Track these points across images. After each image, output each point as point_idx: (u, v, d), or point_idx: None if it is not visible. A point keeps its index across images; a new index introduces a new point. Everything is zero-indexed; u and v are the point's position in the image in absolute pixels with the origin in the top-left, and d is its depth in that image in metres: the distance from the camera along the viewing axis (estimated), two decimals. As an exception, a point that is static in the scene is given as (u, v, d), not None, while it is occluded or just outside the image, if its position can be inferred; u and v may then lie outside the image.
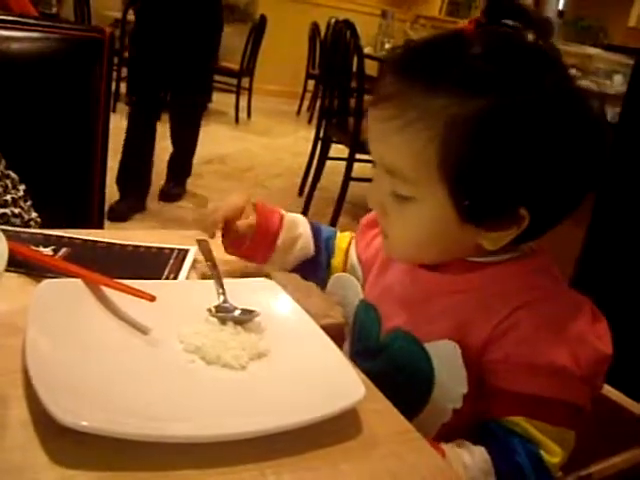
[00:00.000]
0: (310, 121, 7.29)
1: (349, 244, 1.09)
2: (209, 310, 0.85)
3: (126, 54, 5.95)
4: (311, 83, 7.81)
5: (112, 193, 3.50)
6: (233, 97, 6.90)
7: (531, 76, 0.77)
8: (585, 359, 0.78)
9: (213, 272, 0.95)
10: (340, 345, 0.82)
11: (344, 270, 1.07)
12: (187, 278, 0.98)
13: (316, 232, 1.10)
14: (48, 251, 0.97)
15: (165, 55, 3.64)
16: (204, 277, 0.98)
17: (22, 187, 1.35)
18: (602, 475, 0.89)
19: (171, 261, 1.01)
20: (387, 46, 5.97)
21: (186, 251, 1.04)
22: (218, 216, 1.01)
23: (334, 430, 0.68)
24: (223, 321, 0.83)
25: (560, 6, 8.73)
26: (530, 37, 0.81)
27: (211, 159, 5.00)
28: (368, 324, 0.96)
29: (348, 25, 3.85)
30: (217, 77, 5.82)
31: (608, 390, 0.98)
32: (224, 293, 0.88)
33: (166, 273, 0.98)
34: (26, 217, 1.32)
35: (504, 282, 0.84)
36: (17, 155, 1.36)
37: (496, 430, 0.81)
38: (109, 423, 0.60)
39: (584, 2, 8.54)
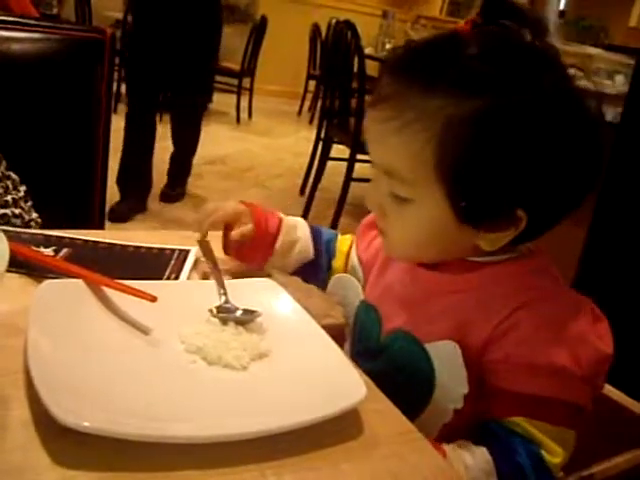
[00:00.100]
0: (311, 121, 7.30)
1: (350, 247, 1.09)
2: (210, 310, 0.85)
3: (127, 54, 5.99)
4: (312, 83, 7.81)
5: (113, 194, 3.51)
6: (234, 97, 6.90)
7: (528, 76, 0.77)
8: (586, 359, 0.78)
9: (214, 272, 0.95)
10: (341, 345, 0.82)
11: (345, 272, 1.07)
12: (188, 278, 0.98)
13: (316, 235, 1.10)
14: (49, 252, 0.97)
15: (164, 55, 3.63)
16: (205, 277, 0.98)
17: (23, 188, 1.35)
18: (604, 475, 0.89)
19: (172, 262, 1.01)
20: (388, 46, 5.97)
21: (187, 251, 1.04)
22: (208, 223, 1.03)
23: (335, 430, 0.68)
24: (224, 321, 0.83)
25: (561, 6, 8.73)
26: (527, 37, 0.81)
27: (212, 159, 5.00)
28: (369, 325, 0.96)
29: (349, 25, 3.85)
30: (218, 77, 5.82)
31: (609, 390, 0.98)
32: (225, 293, 0.88)
33: (167, 274, 0.98)
34: (27, 218, 1.32)
35: (503, 282, 0.84)
36: (18, 156, 1.36)
37: (497, 430, 0.81)
38: (110, 424, 0.60)
39: (585, 2, 8.54)
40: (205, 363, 0.76)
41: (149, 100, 3.73)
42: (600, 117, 0.82)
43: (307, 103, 8.00)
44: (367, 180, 0.89)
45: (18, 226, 1.27)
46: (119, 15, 6.60)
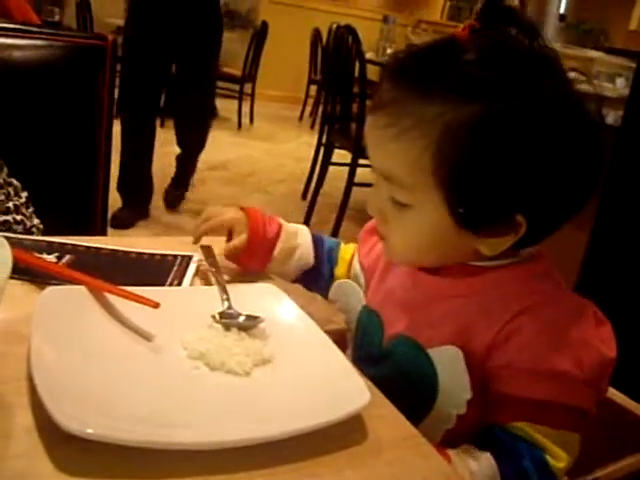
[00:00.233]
0: (312, 126, 7.31)
1: (353, 255, 1.08)
2: (213, 316, 0.84)
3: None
4: (313, 88, 7.82)
5: (114, 200, 3.51)
6: (235, 103, 6.91)
7: (526, 81, 0.76)
8: (589, 363, 0.78)
9: (217, 278, 0.95)
10: (343, 351, 0.82)
11: (347, 278, 1.07)
12: (191, 284, 0.98)
13: (317, 242, 1.10)
14: (52, 258, 0.97)
15: (163, 60, 3.62)
16: (208, 283, 0.98)
17: (24, 194, 1.35)
18: (608, 479, 0.89)
19: (175, 268, 1.01)
20: (389, 51, 5.97)
21: (190, 257, 1.04)
22: (203, 228, 1.05)
23: (339, 436, 0.68)
24: (227, 327, 0.83)
25: (561, 9, 8.73)
26: (525, 41, 0.81)
27: (214, 165, 5.00)
28: (371, 330, 0.96)
29: (350, 30, 3.85)
30: (219, 83, 5.81)
31: (614, 394, 0.98)
32: (228, 299, 0.88)
33: (170, 279, 0.98)
34: (28, 224, 1.32)
35: (505, 287, 0.84)
36: (20, 162, 1.36)
37: (501, 436, 0.80)
38: (114, 430, 0.60)
39: (585, 5, 8.54)
40: (208, 369, 0.76)
41: (148, 105, 3.71)
42: (600, 121, 0.82)
43: (308, 108, 8.01)
44: (369, 185, 0.89)
45: (20, 233, 1.27)
46: (120, 22, 6.60)
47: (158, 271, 1.00)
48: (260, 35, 7.02)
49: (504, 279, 0.85)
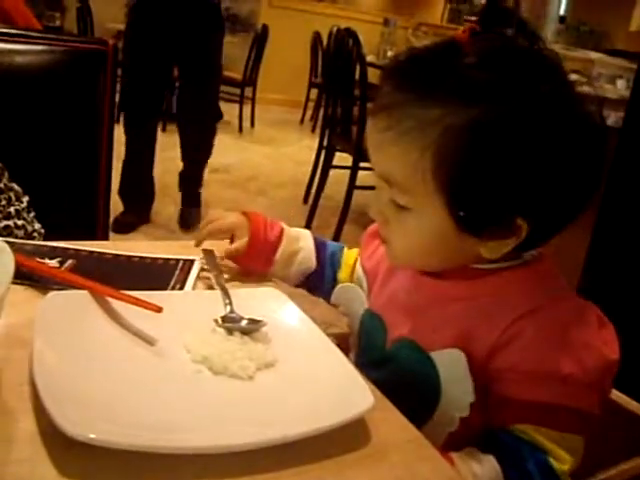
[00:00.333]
0: (313, 130, 7.31)
1: (356, 260, 1.09)
2: (216, 320, 0.84)
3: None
4: (314, 92, 7.82)
5: (116, 204, 3.51)
6: (236, 107, 6.92)
7: (526, 83, 0.76)
8: (592, 365, 0.78)
9: (219, 282, 0.95)
10: (346, 355, 0.82)
11: (350, 282, 1.07)
12: (193, 288, 0.98)
13: (320, 246, 1.11)
14: (54, 263, 0.97)
15: (164, 65, 3.62)
16: (210, 287, 0.98)
17: (25, 199, 1.35)
18: (612, 482, 0.88)
19: (177, 272, 1.01)
20: (390, 54, 5.99)
21: (192, 261, 1.04)
22: (204, 233, 1.06)
23: (343, 439, 0.67)
24: (230, 331, 0.83)
25: (561, 11, 8.74)
26: (525, 44, 0.81)
27: (215, 168, 4.99)
28: (374, 333, 0.96)
29: (350, 33, 3.85)
30: (220, 87, 5.83)
31: (618, 396, 0.97)
32: (230, 303, 0.88)
33: (172, 284, 0.98)
34: (29, 229, 1.33)
35: (507, 289, 0.84)
36: (22, 167, 1.36)
37: (504, 438, 0.80)
38: (117, 435, 0.60)
39: (586, 7, 8.55)
40: (211, 373, 0.76)
41: (149, 109, 3.70)
42: (601, 123, 0.82)
43: (309, 112, 8.01)
44: (370, 188, 0.89)
45: (21, 237, 1.27)
46: (121, 26, 6.61)
47: (160, 275, 1.00)
48: (261, 39, 7.02)
49: (506, 282, 0.85)
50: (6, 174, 1.32)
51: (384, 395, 0.77)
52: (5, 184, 1.31)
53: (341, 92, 4.00)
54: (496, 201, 0.78)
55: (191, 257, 1.05)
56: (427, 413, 0.85)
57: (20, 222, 1.30)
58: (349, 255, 1.11)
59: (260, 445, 0.63)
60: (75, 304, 0.82)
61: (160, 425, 0.64)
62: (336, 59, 4.11)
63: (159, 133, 3.84)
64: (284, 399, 0.73)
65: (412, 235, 0.84)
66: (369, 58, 4.35)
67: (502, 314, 0.81)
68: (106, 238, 1.70)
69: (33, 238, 1.31)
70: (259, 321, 0.85)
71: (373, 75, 3.90)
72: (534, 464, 0.78)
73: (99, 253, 1.05)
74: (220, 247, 1.06)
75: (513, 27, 0.81)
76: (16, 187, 1.34)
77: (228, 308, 0.87)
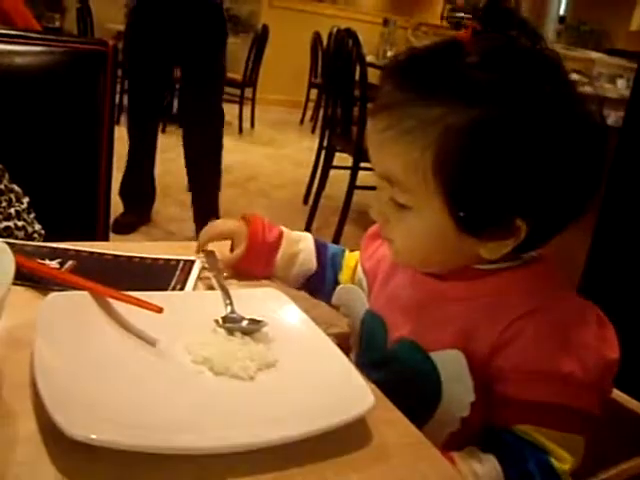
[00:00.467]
0: (313, 130, 7.31)
1: (357, 262, 1.09)
2: (216, 321, 0.84)
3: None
4: (314, 92, 7.82)
5: (116, 205, 3.51)
6: (236, 107, 6.92)
7: (527, 84, 0.76)
8: (592, 365, 0.78)
9: (220, 282, 0.95)
10: (347, 355, 0.82)
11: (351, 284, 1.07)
12: (194, 289, 0.98)
13: (320, 248, 1.11)
14: (54, 264, 0.97)
15: (167, 67, 3.61)
16: (210, 288, 0.98)
17: (26, 200, 1.35)
18: (613, 481, 0.88)
19: (177, 272, 1.01)
20: (389, 54, 5.98)
21: (192, 262, 1.04)
22: (203, 240, 1.06)
23: (344, 440, 0.67)
24: (231, 332, 0.83)
25: (561, 11, 8.74)
26: (527, 44, 0.81)
27: (216, 169, 5.00)
28: (374, 334, 0.96)
29: (350, 34, 3.85)
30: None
31: (619, 395, 0.97)
32: (231, 303, 0.88)
33: (173, 284, 0.98)
34: (30, 230, 1.33)
35: (507, 289, 0.84)
36: (22, 168, 1.36)
37: (505, 438, 0.80)
38: (118, 436, 0.60)
39: (586, 7, 8.55)
40: (212, 374, 0.76)
41: (150, 110, 3.70)
42: (602, 124, 0.82)
43: (309, 112, 8.02)
44: (371, 188, 0.89)
45: (21, 238, 1.27)
46: (121, 27, 6.62)
47: (161, 276, 1.00)
48: (261, 39, 7.03)
49: (506, 282, 0.85)
50: (7, 175, 1.32)
51: (385, 395, 0.77)
52: (6, 185, 1.31)
53: (341, 92, 4.00)
54: (496, 201, 0.78)
55: (192, 257, 1.05)
56: (428, 413, 0.85)
57: (20, 223, 1.30)
58: (350, 258, 1.11)
59: (261, 445, 0.63)
60: (76, 305, 0.81)
61: (161, 425, 0.64)
62: (336, 59, 4.11)
63: (159, 134, 3.83)
64: (285, 399, 0.72)
65: (412, 234, 0.84)
66: (369, 58, 4.35)
67: (502, 314, 0.81)
68: (106, 239, 1.70)
69: (33, 239, 1.31)
70: (260, 321, 0.85)
71: (373, 75, 3.90)
72: (535, 464, 0.78)
73: (99, 254, 1.05)
74: (221, 248, 1.06)
75: (515, 27, 0.81)
76: (16, 188, 1.34)
77: (229, 308, 0.87)
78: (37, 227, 1.35)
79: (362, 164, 3.68)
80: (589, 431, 0.81)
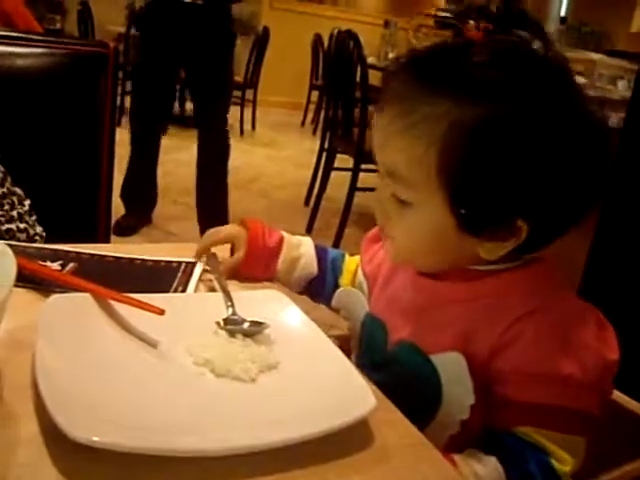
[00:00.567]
0: (315, 132, 7.32)
1: (357, 266, 1.09)
2: (218, 323, 0.84)
3: (130, 68, 6.00)
4: (315, 94, 7.83)
5: (117, 207, 3.51)
6: (237, 109, 6.92)
7: (534, 86, 0.76)
8: (592, 366, 0.78)
9: (221, 284, 0.95)
10: (347, 357, 0.82)
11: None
12: (195, 291, 0.98)
13: (321, 253, 1.11)
14: (56, 266, 0.97)
15: (171, 69, 3.59)
16: (212, 290, 0.98)
17: (27, 202, 1.36)
18: (614, 483, 0.88)
19: (179, 274, 1.01)
20: (391, 56, 5.97)
21: (194, 264, 1.04)
22: (202, 246, 1.06)
23: (345, 441, 0.67)
24: (232, 334, 0.83)
25: (562, 12, 8.75)
26: (538, 46, 0.81)
27: (217, 171, 5.00)
28: (374, 337, 0.96)
29: (351, 35, 3.85)
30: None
31: (619, 396, 0.97)
32: (233, 305, 0.88)
33: (174, 286, 0.98)
34: (31, 232, 1.33)
35: (507, 291, 0.84)
36: (23, 170, 1.36)
37: (506, 440, 0.80)
38: (120, 437, 0.60)
39: (586, 8, 8.55)
40: (213, 375, 0.76)
41: (156, 114, 3.69)
42: (607, 129, 0.82)
43: (310, 114, 8.02)
44: (372, 189, 0.89)
45: (23, 240, 1.28)
46: (122, 29, 6.64)
47: (162, 278, 1.00)
48: (262, 41, 7.03)
49: (506, 283, 0.85)
50: (9, 178, 1.33)
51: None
52: (8, 188, 1.32)
53: (342, 94, 4.00)
54: (498, 200, 0.78)
55: (193, 259, 1.05)
56: (428, 416, 0.85)
57: (22, 225, 1.31)
58: (350, 262, 1.11)
59: (263, 447, 0.63)
60: (77, 307, 0.82)
61: (162, 427, 0.64)
62: (337, 61, 4.11)
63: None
64: (286, 401, 0.72)
65: (412, 231, 0.84)
66: (370, 60, 4.35)
67: (502, 315, 0.81)
68: (107, 241, 1.71)
69: (35, 241, 1.31)
70: (261, 323, 0.85)
71: (374, 77, 3.90)
72: (536, 465, 0.78)
73: (101, 256, 1.05)
74: (222, 250, 1.06)
75: (527, 29, 0.81)
76: (18, 191, 1.35)
77: (230, 310, 0.87)
78: (38, 229, 1.35)
79: (363, 166, 3.67)
80: (590, 432, 0.80)
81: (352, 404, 0.70)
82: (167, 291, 0.96)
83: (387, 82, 0.84)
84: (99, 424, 0.61)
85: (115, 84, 1.59)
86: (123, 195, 3.66)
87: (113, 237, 2.15)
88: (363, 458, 0.67)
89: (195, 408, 0.69)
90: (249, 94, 7.14)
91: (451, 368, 0.83)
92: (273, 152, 6.42)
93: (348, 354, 0.96)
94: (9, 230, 1.27)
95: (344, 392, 0.73)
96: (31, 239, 1.31)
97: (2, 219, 1.27)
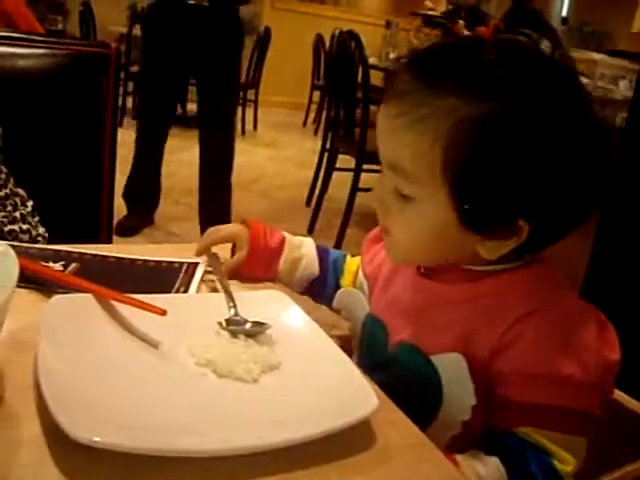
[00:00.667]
0: (316, 132, 7.31)
1: (358, 267, 1.09)
2: (220, 323, 0.85)
3: (132, 69, 6.01)
4: (316, 94, 7.82)
5: (119, 208, 3.51)
6: (239, 109, 6.90)
7: (542, 85, 0.77)
8: (593, 366, 0.78)
9: (223, 285, 0.95)
10: (349, 357, 0.82)
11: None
12: (197, 291, 0.98)
13: (322, 253, 1.11)
14: (58, 266, 0.97)
15: (179, 72, 3.56)
16: (214, 290, 0.98)
17: (30, 203, 1.36)
18: (616, 484, 0.88)
19: (181, 275, 1.01)
20: (392, 56, 5.97)
21: (196, 264, 1.04)
22: (203, 244, 1.06)
23: (347, 441, 0.67)
24: (234, 334, 0.83)
25: (564, 12, 8.74)
26: (547, 47, 0.81)
27: (218, 171, 5.00)
28: (375, 338, 0.96)
29: (352, 36, 3.85)
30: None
31: (619, 395, 0.97)
32: (235, 306, 0.88)
33: (176, 287, 0.98)
34: (34, 233, 1.33)
35: (507, 291, 0.84)
36: (25, 171, 1.36)
37: (507, 441, 0.80)
38: (121, 438, 0.60)
39: (588, 8, 8.55)
40: (215, 376, 0.76)
41: (163, 116, 3.68)
42: (611, 131, 0.82)
43: (312, 114, 8.02)
44: (373, 190, 0.89)
45: (26, 241, 1.28)
46: (123, 30, 6.65)
47: (164, 278, 1.00)
48: (263, 41, 7.03)
49: (506, 284, 0.85)
50: (12, 180, 1.33)
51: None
52: (11, 189, 1.32)
53: (344, 94, 4.00)
54: (500, 198, 0.78)
55: (195, 260, 1.05)
56: (429, 417, 0.85)
57: (25, 226, 1.31)
58: (351, 262, 1.11)
59: (265, 448, 0.63)
60: (79, 307, 0.82)
61: (164, 428, 0.64)
62: (338, 61, 4.11)
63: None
64: (288, 402, 0.73)
65: (413, 226, 0.84)
66: (371, 60, 4.35)
67: (502, 316, 0.81)
68: (110, 241, 1.71)
69: (37, 242, 1.31)
70: (263, 324, 0.85)
71: (375, 77, 3.90)
72: (537, 465, 0.78)
73: (103, 256, 1.05)
74: (223, 250, 1.06)
75: (538, 29, 0.82)
76: (21, 192, 1.35)
77: (232, 311, 0.87)
78: (41, 230, 1.35)
79: (365, 166, 3.67)
80: (590, 432, 0.81)
81: (354, 404, 0.70)
82: (169, 292, 0.96)
83: (394, 77, 0.84)
84: (101, 424, 0.61)
85: (117, 85, 1.59)
86: (126, 195, 3.66)
87: (115, 238, 2.15)
88: (365, 458, 0.67)
89: (197, 408, 0.69)
90: (251, 94, 7.14)
91: (451, 369, 0.83)
92: (275, 152, 6.42)
93: (350, 354, 0.97)
94: (12, 231, 1.28)
95: (346, 392, 0.73)
96: (34, 240, 1.31)
97: (5, 220, 1.28)
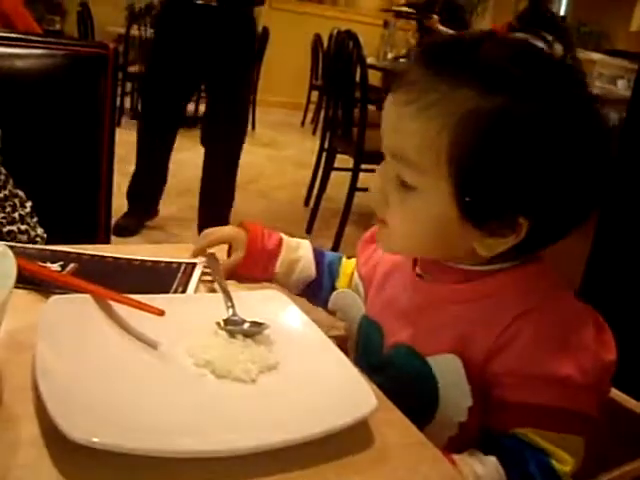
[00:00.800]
0: (314, 132, 7.31)
1: (354, 269, 1.09)
2: (218, 323, 0.84)
3: (130, 69, 6.01)
4: (315, 94, 7.82)
5: (117, 208, 3.51)
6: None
7: (551, 85, 0.77)
8: (590, 367, 0.78)
9: (221, 285, 0.95)
10: (347, 357, 0.82)
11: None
12: (195, 292, 0.98)
13: (318, 256, 1.11)
14: (56, 267, 0.97)
15: (189, 77, 3.55)
16: (212, 290, 0.98)
17: (29, 204, 1.36)
18: (614, 483, 0.88)
19: (179, 275, 1.01)
20: (390, 56, 5.99)
21: (194, 265, 1.04)
22: (200, 245, 1.07)
23: (346, 441, 0.67)
24: (232, 334, 0.83)
25: (562, 12, 8.74)
26: (559, 48, 0.81)
27: (216, 171, 5.00)
28: (371, 339, 0.96)
29: (350, 36, 3.85)
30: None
31: (620, 396, 0.97)
32: (233, 306, 0.88)
33: (174, 287, 0.98)
34: (32, 233, 1.33)
35: (504, 291, 0.84)
36: (23, 171, 1.36)
37: (505, 442, 0.80)
38: (120, 439, 0.60)
39: (586, 7, 8.55)
40: (213, 376, 0.76)
41: (171, 121, 3.65)
42: (614, 134, 0.83)
43: (310, 114, 8.01)
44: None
45: (24, 242, 1.28)
46: (121, 30, 6.64)
47: (162, 278, 1.00)
48: (261, 41, 7.02)
49: (503, 284, 0.85)
50: (11, 181, 1.33)
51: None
52: (10, 190, 1.32)
53: (342, 94, 4.00)
54: (503, 193, 0.78)
55: (193, 260, 1.05)
56: (426, 418, 0.85)
57: (24, 227, 1.31)
58: (347, 264, 1.11)
59: (263, 448, 0.63)
60: (77, 308, 0.82)
61: (163, 429, 0.64)
62: (336, 61, 4.11)
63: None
64: (287, 402, 0.72)
65: (412, 217, 0.83)
66: (369, 60, 4.35)
67: (499, 316, 0.81)
68: (108, 242, 1.71)
69: (36, 243, 1.31)
70: (261, 324, 0.85)
71: (374, 77, 3.90)
72: (536, 465, 0.78)
73: (101, 257, 1.05)
74: (219, 251, 1.06)
75: (553, 31, 0.82)
76: (20, 193, 1.35)
77: (230, 311, 0.87)
78: (40, 231, 1.35)
79: (363, 166, 3.67)
80: (588, 432, 0.81)
81: (353, 404, 0.70)
82: (167, 292, 0.96)
83: (404, 67, 0.84)
84: (99, 425, 0.61)
85: (115, 85, 1.59)
86: (129, 195, 3.66)
87: (113, 238, 2.15)
88: (363, 458, 0.67)
89: (195, 409, 0.69)
90: (249, 94, 7.14)
91: (448, 370, 0.83)
92: (273, 152, 6.42)
93: (348, 355, 0.97)
94: (10, 232, 1.28)
95: (344, 392, 0.73)
96: (32, 241, 1.31)
97: (4, 221, 1.28)
